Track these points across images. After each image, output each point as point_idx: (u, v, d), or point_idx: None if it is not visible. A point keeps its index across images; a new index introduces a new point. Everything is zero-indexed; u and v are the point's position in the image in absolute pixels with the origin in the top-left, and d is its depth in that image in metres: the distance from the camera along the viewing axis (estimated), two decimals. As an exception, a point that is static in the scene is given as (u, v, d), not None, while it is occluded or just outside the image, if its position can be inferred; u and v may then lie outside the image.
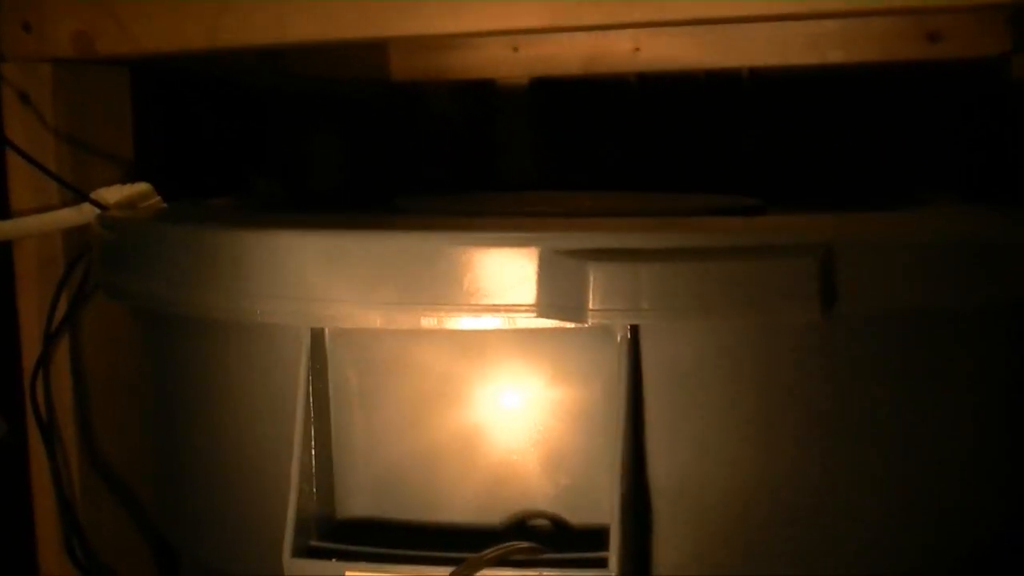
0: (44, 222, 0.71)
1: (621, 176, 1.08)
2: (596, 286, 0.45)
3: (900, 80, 1.00)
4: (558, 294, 0.46)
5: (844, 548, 0.50)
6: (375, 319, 0.49)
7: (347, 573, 0.48)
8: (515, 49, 1.07)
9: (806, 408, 0.49)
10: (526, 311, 0.47)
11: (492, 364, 0.49)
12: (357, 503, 0.52)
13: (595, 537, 0.47)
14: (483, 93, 1.11)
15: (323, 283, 0.49)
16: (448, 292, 0.47)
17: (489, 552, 0.47)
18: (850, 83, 1.02)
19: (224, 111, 1.03)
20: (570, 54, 1.04)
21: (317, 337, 0.51)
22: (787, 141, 1.04)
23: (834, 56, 0.98)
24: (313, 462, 0.51)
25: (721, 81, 1.03)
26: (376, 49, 1.10)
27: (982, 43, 0.93)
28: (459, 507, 0.51)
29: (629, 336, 0.47)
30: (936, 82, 0.99)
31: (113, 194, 0.68)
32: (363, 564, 0.48)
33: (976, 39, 0.93)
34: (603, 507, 0.48)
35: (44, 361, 0.73)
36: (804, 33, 0.98)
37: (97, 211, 0.67)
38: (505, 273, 0.47)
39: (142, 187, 0.69)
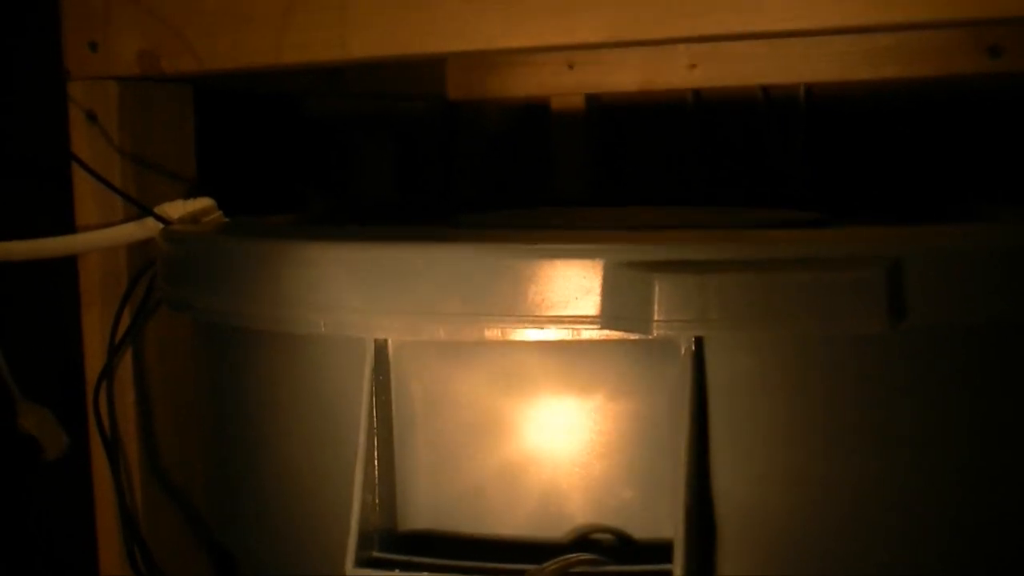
0: (108, 236, 0.72)
1: (678, 193, 1.08)
2: (661, 297, 0.45)
3: (961, 94, 0.99)
4: (623, 306, 0.46)
5: (912, 561, 0.49)
6: (439, 331, 0.49)
7: (409, 584, 0.48)
8: (570, 67, 1.07)
9: (874, 421, 0.48)
10: (590, 323, 0.47)
11: (556, 377, 0.49)
12: (419, 516, 0.52)
13: (658, 551, 0.47)
14: (539, 111, 1.12)
15: (387, 295, 0.49)
16: (513, 304, 0.47)
17: (551, 564, 0.47)
18: (909, 98, 1.01)
19: (282, 129, 1.04)
20: (626, 71, 1.04)
21: (381, 349, 0.51)
22: (845, 157, 1.03)
23: (891, 71, 0.97)
24: (376, 474, 0.51)
25: (777, 97, 1.03)
26: (433, 68, 1.11)
27: (1045, 57, 0.92)
28: (521, 521, 0.50)
29: (694, 348, 0.47)
30: (997, 96, 0.98)
31: (176, 209, 0.69)
32: (425, 575, 0.48)
33: (1039, 53, 0.92)
34: (666, 521, 0.47)
35: (107, 374, 0.74)
36: (861, 48, 0.98)
37: (161, 226, 0.68)
38: (570, 285, 0.47)
39: (204, 202, 0.70)
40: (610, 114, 1.10)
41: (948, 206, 0.77)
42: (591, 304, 0.47)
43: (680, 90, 1.04)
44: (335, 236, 0.53)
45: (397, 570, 0.49)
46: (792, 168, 1.04)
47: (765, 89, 1.03)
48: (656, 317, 0.45)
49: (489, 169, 1.19)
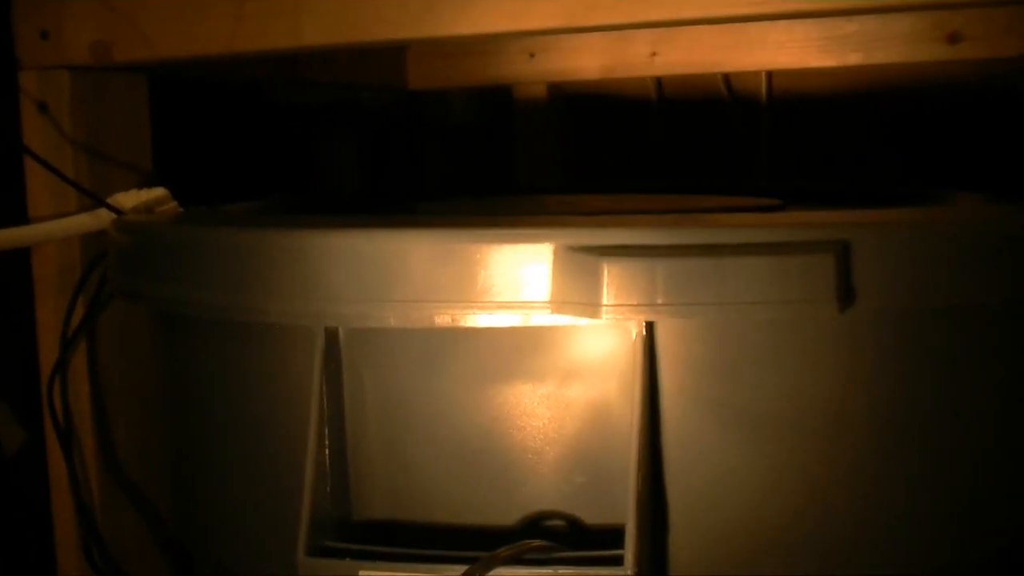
0: (61, 227, 0.71)
1: (639, 180, 1.08)
2: (610, 281, 0.45)
3: (922, 81, 0.99)
4: (572, 290, 0.46)
5: (865, 547, 0.49)
6: (389, 318, 0.48)
7: (361, 572, 0.48)
8: (531, 55, 1.06)
9: (825, 405, 0.48)
10: (540, 308, 0.46)
11: (507, 362, 0.49)
12: (374, 504, 0.52)
13: (611, 536, 0.47)
14: (501, 100, 1.11)
15: (337, 283, 0.49)
16: (462, 290, 0.47)
17: (503, 551, 0.46)
18: (870, 85, 1.01)
19: (242, 119, 1.03)
20: (587, 60, 1.04)
21: (331, 337, 0.50)
22: (807, 143, 1.04)
23: (853, 58, 0.97)
24: (328, 462, 0.51)
25: (739, 84, 1.03)
26: (393, 56, 1.10)
27: (1003, 44, 0.92)
28: (474, 507, 0.50)
29: (644, 332, 0.47)
30: (957, 83, 0.98)
31: (129, 199, 0.68)
32: (377, 563, 0.48)
33: (997, 40, 0.92)
34: (619, 506, 0.47)
35: (61, 366, 0.74)
36: (822, 35, 0.98)
37: (114, 216, 0.67)
38: (519, 270, 0.46)
39: (158, 192, 0.69)
40: (573, 102, 1.10)
41: (907, 192, 0.78)
42: (540, 289, 0.46)
43: (642, 78, 1.04)
44: (282, 224, 0.52)
45: (348, 559, 0.49)
46: (754, 155, 1.04)
47: (727, 76, 1.03)
48: (605, 302, 0.45)
49: (454, 158, 1.18)
